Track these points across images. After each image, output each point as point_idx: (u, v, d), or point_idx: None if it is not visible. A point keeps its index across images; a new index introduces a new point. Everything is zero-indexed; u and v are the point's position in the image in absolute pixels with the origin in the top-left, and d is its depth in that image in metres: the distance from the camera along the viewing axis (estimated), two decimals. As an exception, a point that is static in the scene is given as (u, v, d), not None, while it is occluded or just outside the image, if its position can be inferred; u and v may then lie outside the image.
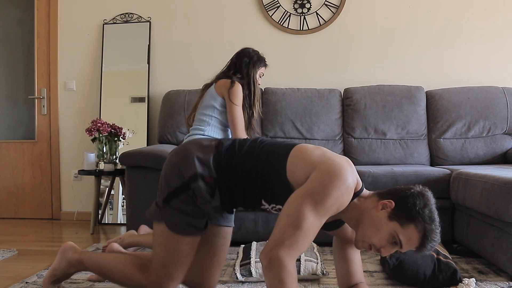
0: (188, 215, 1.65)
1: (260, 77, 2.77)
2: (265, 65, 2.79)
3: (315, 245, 2.45)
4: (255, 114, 2.71)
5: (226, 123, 2.64)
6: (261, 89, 3.68)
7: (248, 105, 2.67)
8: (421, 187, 1.58)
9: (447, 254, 2.18)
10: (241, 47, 2.79)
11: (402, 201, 1.52)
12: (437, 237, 1.52)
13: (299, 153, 1.59)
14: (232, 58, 2.76)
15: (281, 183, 1.58)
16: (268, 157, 1.62)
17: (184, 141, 2.60)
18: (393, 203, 1.53)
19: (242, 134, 2.59)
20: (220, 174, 1.63)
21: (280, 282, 1.38)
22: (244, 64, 2.70)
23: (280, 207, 1.57)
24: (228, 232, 1.85)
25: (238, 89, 2.60)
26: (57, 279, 1.92)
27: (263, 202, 1.64)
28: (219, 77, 2.71)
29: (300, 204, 1.44)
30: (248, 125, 2.69)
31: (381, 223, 1.52)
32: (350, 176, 1.50)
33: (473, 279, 2.05)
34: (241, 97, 2.61)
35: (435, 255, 2.10)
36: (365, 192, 1.61)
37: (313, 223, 1.44)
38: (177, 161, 1.66)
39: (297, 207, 1.44)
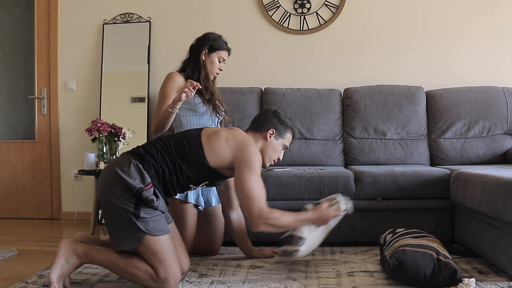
0: (156, 219, 1.98)
1: (219, 61, 2.64)
2: (222, 48, 2.63)
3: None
4: (214, 96, 2.60)
5: (191, 113, 2.57)
6: (261, 89, 3.68)
7: (204, 91, 2.56)
8: (270, 109, 2.37)
9: (447, 254, 2.18)
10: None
11: (275, 124, 2.29)
12: (297, 128, 2.46)
13: (210, 141, 2.11)
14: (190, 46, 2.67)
15: (212, 176, 2.16)
16: (183, 152, 2.07)
17: None
18: (273, 130, 2.28)
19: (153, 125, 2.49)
20: (153, 178, 2.00)
21: (282, 226, 2.18)
22: (195, 49, 2.61)
23: (206, 183, 2.21)
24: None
25: (164, 81, 2.53)
26: (62, 273, 2.01)
27: (190, 186, 2.17)
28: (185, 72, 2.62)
29: (246, 179, 2.07)
30: (212, 111, 2.61)
31: (275, 145, 2.30)
32: (253, 142, 2.18)
33: (473, 279, 2.05)
34: (166, 87, 2.50)
35: (435, 255, 2.10)
36: (250, 135, 2.26)
37: (259, 184, 2.12)
38: (119, 185, 1.95)
39: (245, 183, 2.07)
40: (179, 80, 2.56)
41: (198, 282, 2.16)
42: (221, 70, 2.67)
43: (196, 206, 2.56)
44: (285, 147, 2.35)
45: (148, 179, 1.98)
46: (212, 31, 2.72)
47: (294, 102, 3.54)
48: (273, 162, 2.32)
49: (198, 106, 2.57)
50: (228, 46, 2.68)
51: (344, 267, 2.41)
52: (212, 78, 2.66)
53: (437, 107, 3.53)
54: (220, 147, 2.11)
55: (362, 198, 2.88)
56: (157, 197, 2.00)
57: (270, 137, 2.27)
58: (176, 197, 2.43)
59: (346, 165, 3.47)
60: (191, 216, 2.53)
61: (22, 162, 4.12)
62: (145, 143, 2.16)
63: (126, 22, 3.99)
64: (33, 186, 4.11)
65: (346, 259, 2.59)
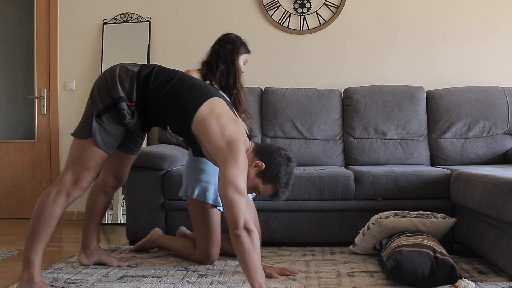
0: (110, 134, 2.02)
1: (244, 64, 2.65)
2: (248, 51, 2.65)
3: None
4: (243, 103, 2.60)
5: None
6: (261, 89, 3.68)
7: (231, 93, 2.56)
8: (288, 155, 2.02)
9: (443, 251, 2.18)
10: None
11: (271, 166, 1.97)
12: (284, 195, 2.03)
13: (201, 129, 1.93)
14: (214, 45, 2.64)
15: (186, 134, 2.01)
16: (174, 106, 1.99)
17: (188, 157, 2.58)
18: (263, 166, 1.97)
19: None
20: (138, 100, 2.01)
21: (251, 251, 1.81)
22: (228, 52, 2.59)
23: (182, 139, 2.10)
24: (134, 158, 2.37)
25: None
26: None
27: (168, 129, 2.08)
28: (202, 70, 2.60)
29: (233, 179, 1.80)
30: (240, 115, 2.55)
31: (250, 177, 1.95)
32: (243, 150, 1.89)
33: (472, 283, 2.02)
34: None
35: (432, 253, 2.10)
36: (250, 146, 2.02)
37: (244, 187, 1.83)
38: (107, 82, 2.03)
39: (230, 174, 1.81)
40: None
41: (198, 282, 2.16)
42: (243, 72, 2.66)
43: (215, 206, 2.47)
44: (257, 190, 2.04)
45: (134, 98, 2.00)
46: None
47: (294, 102, 3.54)
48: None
49: None
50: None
51: (344, 267, 2.41)
52: None
53: (437, 107, 3.53)
54: (205, 137, 1.93)
55: (362, 198, 2.88)
56: (132, 117, 2.02)
57: (254, 166, 1.98)
58: (194, 197, 2.41)
59: (346, 165, 3.47)
60: (214, 216, 2.44)
61: (22, 162, 4.12)
62: (160, 67, 2.13)
63: (126, 22, 3.99)
64: (33, 186, 4.11)
65: (346, 259, 2.58)
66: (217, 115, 1.95)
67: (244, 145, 1.94)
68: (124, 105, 2.00)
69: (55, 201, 2.02)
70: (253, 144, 2.06)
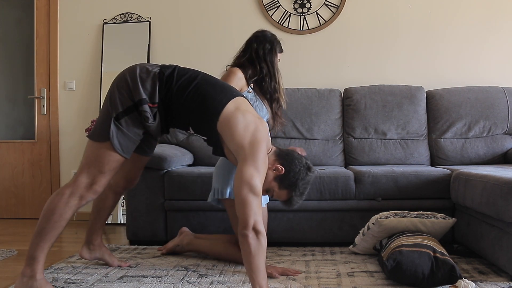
0: (128, 138, 1.98)
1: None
2: (281, 51, 2.59)
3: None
4: (283, 105, 2.55)
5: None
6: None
7: (273, 96, 2.50)
8: (309, 164, 2.02)
9: (443, 251, 2.18)
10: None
11: (290, 172, 1.98)
12: (297, 204, 2.04)
13: (226, 127, 1.92)
14: (251, 43, 2.55)
15: (210, 133, 2.00)
16: (200, 105, 1.97)
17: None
18: (283, 171, 1.97)
19: None
20: (160, 101, 1.98)
21: (258, 254, 1.79)
22: (267, 51, 2.51)
23: (205, 138, 2.06)
24: (147, 160, 2.37)
25: (228, 76, 2.44)
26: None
27: (190, 129, 2.06)
28: (246, 70, 2.49)
29: (250, 179, 1.79)
30: (275, 117, 2.56)
31: (267, 179, 1.95)
32: (264, 151, 1.90)
33: (472, 283, 2.02)
34: (231, 83, 2.36)
35: (432, 253, 2.10)
36: (271, 148, 2.05)
37: (260, 188, 1.82)
38: (128, 83, 1.98)
39: (246, 174, 1.80)
40: (243, 79, 2.46)
41: (198, 282, 2.16)
42: None
43: None
44: (270, 193, 2.05)
45: (157, 100, 1.97)
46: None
47: (294, 102, 3.54)
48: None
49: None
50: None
51: (344, 267, 2.41)
52: None
53: (437, 107, 3.53)
54: (229, 135, 1.93)
55: (362, 198, 2.87)
56: (154, 119, 1.99)
57: (273, 169, 1.98)
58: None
59: (346, 165, 3.47)
60: None
61: (22, 162, 4.12)
62: (180, 67, 2.10)
63: (126, 22, 3.99)
64: (33, 186, 4.11)
65: (346, 259, 2.58)
66: (243, 112, 1.95)
67: (266, 146, 1.94)
68: (146, 107, 1.95)
69: (67, 203, 1.98)
70: (274, 147, 2.07)
